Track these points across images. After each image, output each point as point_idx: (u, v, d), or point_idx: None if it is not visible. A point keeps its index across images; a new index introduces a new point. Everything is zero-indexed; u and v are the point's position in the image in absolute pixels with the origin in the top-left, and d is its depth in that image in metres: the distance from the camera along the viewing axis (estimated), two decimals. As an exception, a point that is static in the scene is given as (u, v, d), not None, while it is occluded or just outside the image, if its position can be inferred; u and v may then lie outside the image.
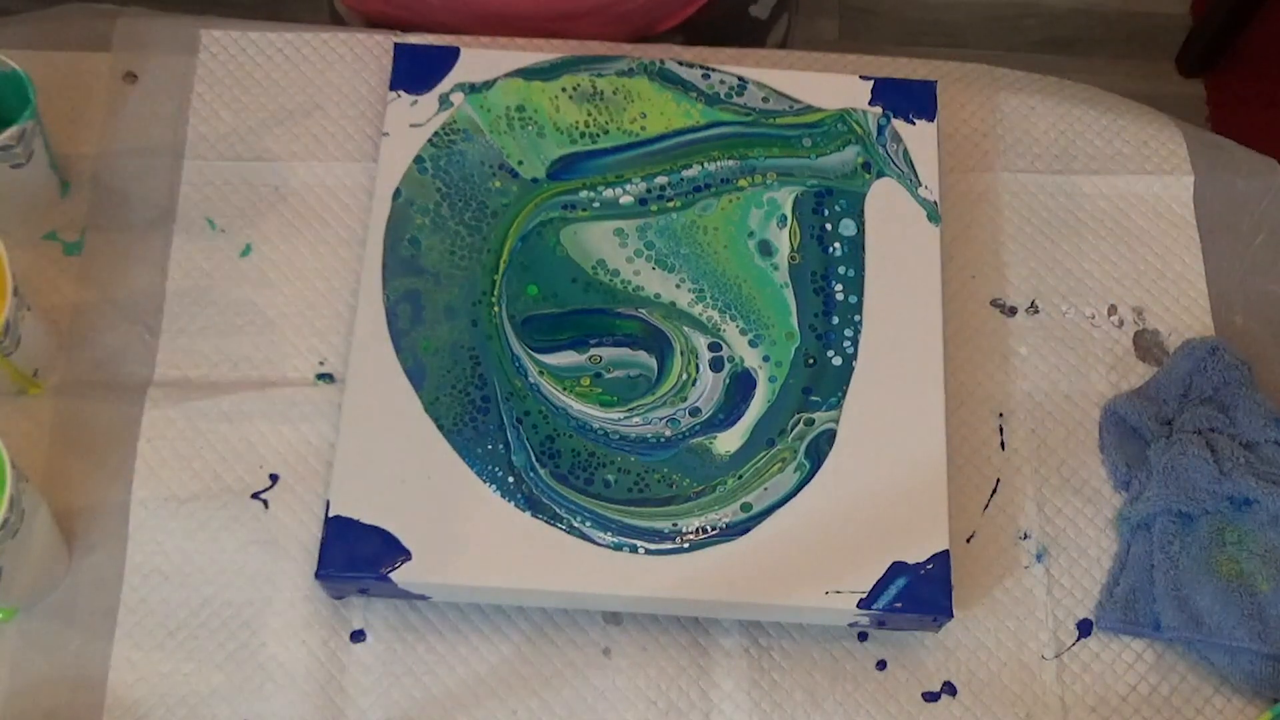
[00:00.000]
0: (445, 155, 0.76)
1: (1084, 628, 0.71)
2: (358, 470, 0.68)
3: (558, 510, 0.68)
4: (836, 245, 0.74)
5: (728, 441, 0.70)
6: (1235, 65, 1.75)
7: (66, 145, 0.78)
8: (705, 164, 0.76)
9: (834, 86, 0.78)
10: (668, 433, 0.70)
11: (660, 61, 0.78)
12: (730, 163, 0.76)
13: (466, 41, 0.80)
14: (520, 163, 0.76)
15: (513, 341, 0.71)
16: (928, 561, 0.67)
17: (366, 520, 0.67)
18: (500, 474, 0.68)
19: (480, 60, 0.78)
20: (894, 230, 0.75)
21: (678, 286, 0.73)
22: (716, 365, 0.72)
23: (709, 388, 0.71)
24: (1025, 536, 0.73)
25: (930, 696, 0.69)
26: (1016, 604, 0.71)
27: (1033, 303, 0.78)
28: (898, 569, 0.67)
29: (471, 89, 0.77)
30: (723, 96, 0.78)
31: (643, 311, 0.73)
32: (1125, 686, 0.70)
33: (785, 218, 0.75)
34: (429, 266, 0.73)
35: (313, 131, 0.80)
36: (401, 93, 0.77)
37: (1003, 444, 0.75)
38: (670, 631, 0.70)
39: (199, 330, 0.75)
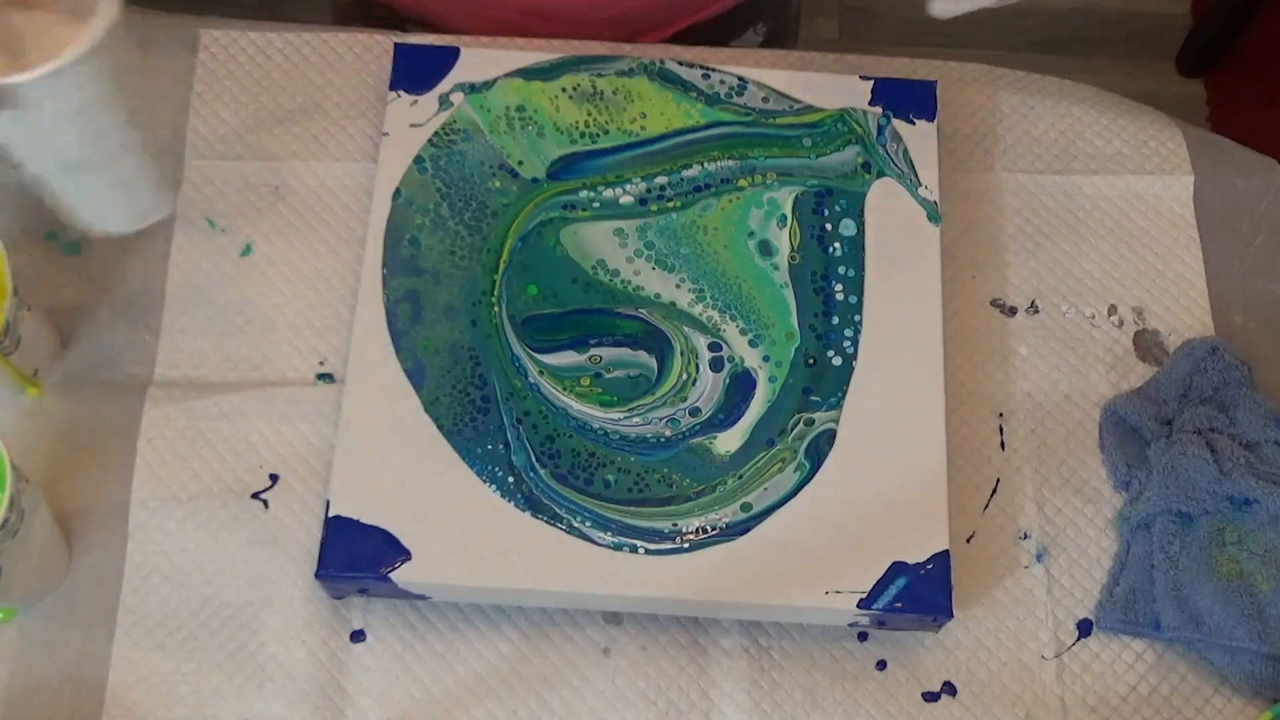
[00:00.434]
0: (445, 155, 0.76)
1: (1084, 628, 0.71)
2: (357, 470, 0.68)
3: (558, 510, 0.68)
4: (836, 245, 0.74)
5: (728, 441, 0.70)
6: (1235, 65, 1.75)
7: (66, 145, 0.78)
8: (705, 164, 0.76)
9: (834, 86, 0.78)
10: (668, 433, 0.70)
11: (660, 61, 0.78)
12: (730, 163, 0.76)
13: (466, 41, 0.80)
14: (520, 163, 0.76)
15: (513, 341, 0.71)
16: (928, 561, 0.67)
17: (366, 520, 0.67)
18: (500, 474, 0.68)
19: (480, 60, 0.78)
20: (894, 230, 0.75)
21: (678, 286, 0.73)
22: (716, 365, 0.72)
23: (709, 388, 0.71)
24: (1025, 536, 0.73)
25: (930, 696, 0.69)
26: (1016, 604, 0.71)
27: (1033, 303, 0.78)
28: (898, 569, 0.67)
29: (471, 89, 0.77)
30: (723, 96, 0.78)
31: (643, 311, 0.73)
32: (1125, 686, 0.70)
33: (785, 218, 0.75)
34: (429, 266, 0.73)
35: (313, 131, 0.80)
36: (401, 93, 0.77)
37: (1003, 444, 0.75)
38: (670, 631, 0.70)
39: (199, 330, 0.75)
